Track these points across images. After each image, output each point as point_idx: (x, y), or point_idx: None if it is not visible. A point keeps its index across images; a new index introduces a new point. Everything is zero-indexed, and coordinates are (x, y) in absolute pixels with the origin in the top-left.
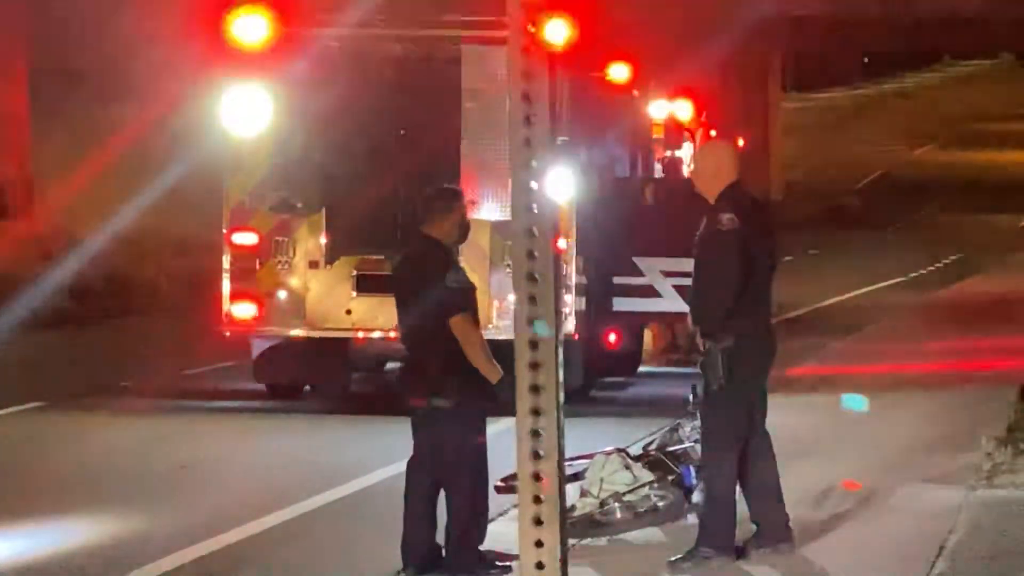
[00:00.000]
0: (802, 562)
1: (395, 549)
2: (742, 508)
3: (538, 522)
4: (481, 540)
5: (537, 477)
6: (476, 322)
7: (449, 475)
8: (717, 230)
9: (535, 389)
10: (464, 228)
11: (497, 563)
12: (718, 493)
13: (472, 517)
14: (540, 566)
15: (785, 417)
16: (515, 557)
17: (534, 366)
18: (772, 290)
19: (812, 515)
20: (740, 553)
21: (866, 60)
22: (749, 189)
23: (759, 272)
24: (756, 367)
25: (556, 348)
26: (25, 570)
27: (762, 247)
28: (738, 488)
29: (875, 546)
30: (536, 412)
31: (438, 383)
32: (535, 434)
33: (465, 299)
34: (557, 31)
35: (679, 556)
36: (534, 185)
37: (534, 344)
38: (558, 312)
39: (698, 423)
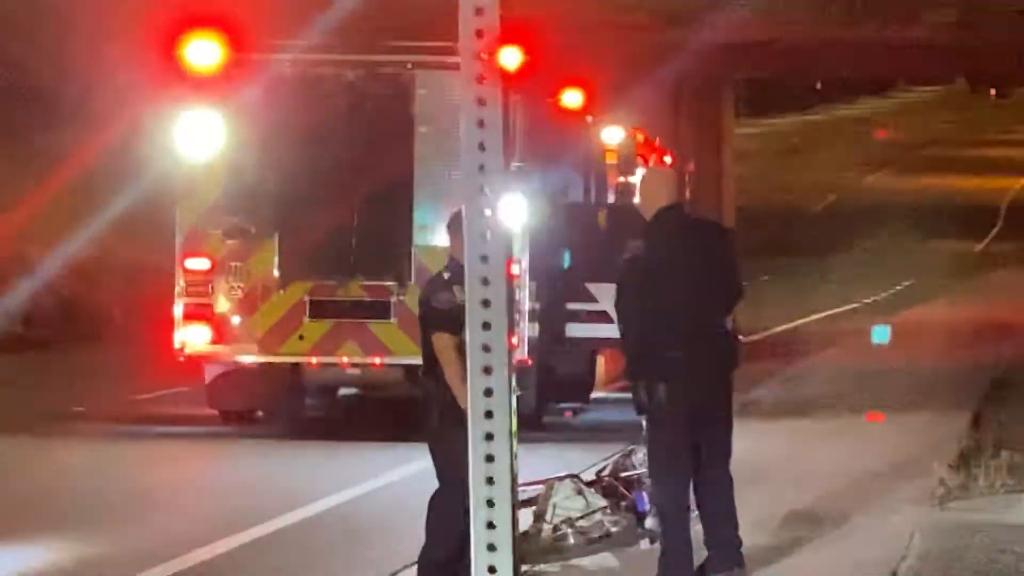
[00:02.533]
0: None
1: (358, 569)
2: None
3: (491, 548)
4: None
5: (490, 503)
6: (459, 344)
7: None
8: (623, 259)
9: (488, 415)
10: None
11: None
12: (664, 521)
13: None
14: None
15: (742, 442)
16: None
17: (487, 392)
18: (710, 313)
19: (766, 540)
20: None
21: (819, 86)
22: (688, 214)
23: (672, 297)
24: (679, 396)
25: (509, 375)
26: None
27: (678, 272)
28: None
29: (827, 571)
30: (489, 437)
31: (438, 406)
32: (488, 459)
33: (452, 320)
34: (509, 58)
35: None
36: (487, 211)
37: (487, 370)
38: (510, 339)
39: None
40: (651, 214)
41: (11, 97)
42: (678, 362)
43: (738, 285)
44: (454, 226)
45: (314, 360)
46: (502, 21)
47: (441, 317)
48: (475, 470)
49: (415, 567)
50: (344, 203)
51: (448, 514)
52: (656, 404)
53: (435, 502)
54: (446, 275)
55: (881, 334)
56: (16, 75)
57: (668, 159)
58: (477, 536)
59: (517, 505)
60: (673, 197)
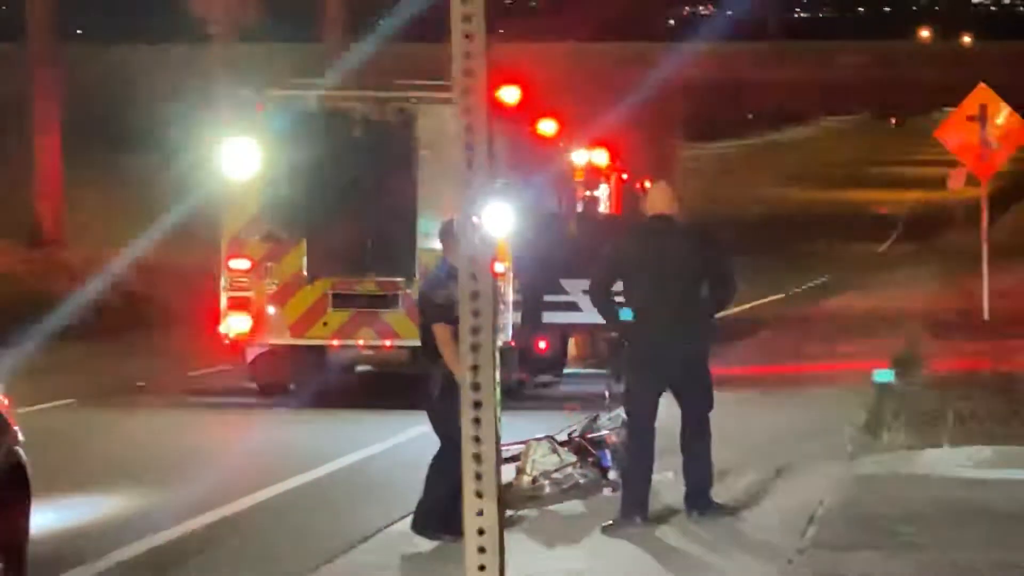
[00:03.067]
0: (703, 529)
1: (371, 514)
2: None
3: (479, 495)
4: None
5: (478, 459)
6: (455, 332)
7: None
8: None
9: (476, 387)
10: None
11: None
12: (626, 469)
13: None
14: (481, 532)
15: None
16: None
17: (475, 368)
18: (673, 297)
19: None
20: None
21: (750, 116)
22: (672, 218)
23: (640, 282)
24: (642, 362)
25: (493, 353)
26: (61, 534)
27: (647, 263)
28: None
29: (757, 516)
30: (477, 405)
31: (435, 384)
32: (476, 422)
33: (449, 313)
34: (510, 94)
35: (609, 523)
36: (476, 220)
37: (475, 348)
38: (496, 324)
39: (613, 414)
40: (650, 216)
41: (89, 127)
42: (653, 337)
43: (723, 275)
44: (445, 233)
45: (336, 343)
46: (495, 63)
47: (439, 310)
48: (466, 432)
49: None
50: (360, 214)
51: (444, 470)
52: (632, 369)
53: (434, 460)
54: (441, 274)
55: (885, 375)
56: (93, 110)
57: (626, 176)
58: (468, 486)
59: (500, 461)
60: (667, 208)
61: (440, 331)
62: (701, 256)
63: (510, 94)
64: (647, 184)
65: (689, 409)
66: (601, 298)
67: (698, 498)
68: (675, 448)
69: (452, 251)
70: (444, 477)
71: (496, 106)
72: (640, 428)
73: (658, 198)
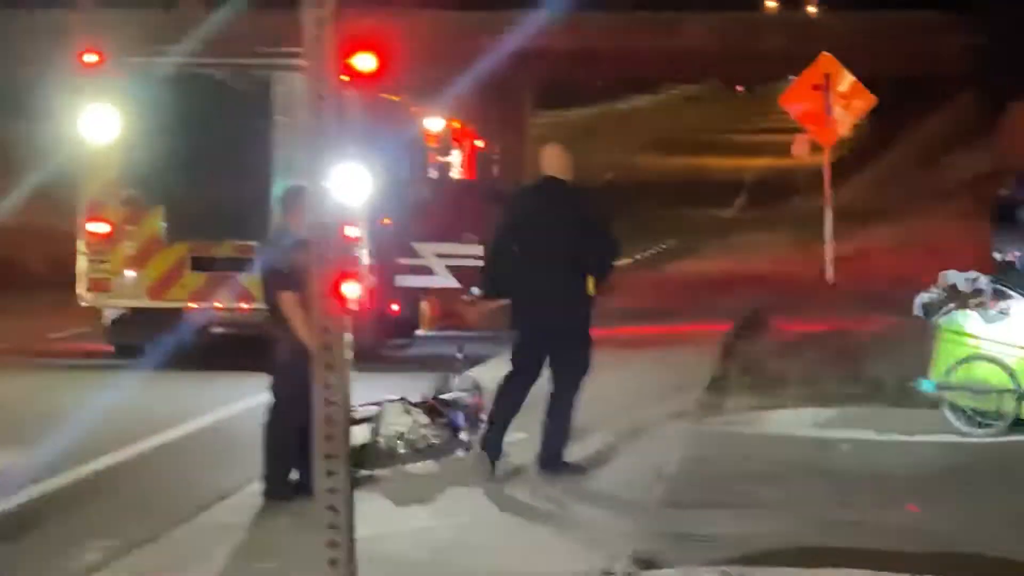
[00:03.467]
0: (553, 488)
1: (226, 475)
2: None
3: (330, 456)
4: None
5: (329, 421)
6: (303, 300)
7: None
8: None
9: (327, 348)
10: None
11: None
12: (491, 414)
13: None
14: (332, 491)
15: None
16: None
17: (326, 331)
18: (554, 260)
19: None
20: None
21: (600, 84)
22: (562, 181)
23: (528, 245)
24: (523, 321)
25: (343, 317)
26: None
27: (533, 223)
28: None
29: (607, 475)
30: (329, 367)
31: (283, 351)
32: (327, 386)
33: (293, 280)
34: (365, 62)
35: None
36: (327, 185)
37: (325, 312)
38: (353, 287)
39: (465, 376)
40: (541, 178)
41: None
42: (534, 291)
43: (600, 237)
44: (289, 200)
45: (193, 305)
46: (352, 32)
47: (285, 278)
48: (318, 395)
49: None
50: (218, 179)
51: (278, 434)
52: (518, 322)
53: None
54: (285, 242)
55: (928, 386)
56: None
57: (480, 143)
58: (319, 447)
59: (349, 422)
60: (558, 170)
61: (288, 299)
62: (583, 218)
63: (365, 61)
64: (497, 149)
65: (562, 371)
66: (496, 261)
67: (550, 458)
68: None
69: (296, 218)
70: (279, 440)
71: (350, 73)
72: (514, 383)
73: (550, 160)
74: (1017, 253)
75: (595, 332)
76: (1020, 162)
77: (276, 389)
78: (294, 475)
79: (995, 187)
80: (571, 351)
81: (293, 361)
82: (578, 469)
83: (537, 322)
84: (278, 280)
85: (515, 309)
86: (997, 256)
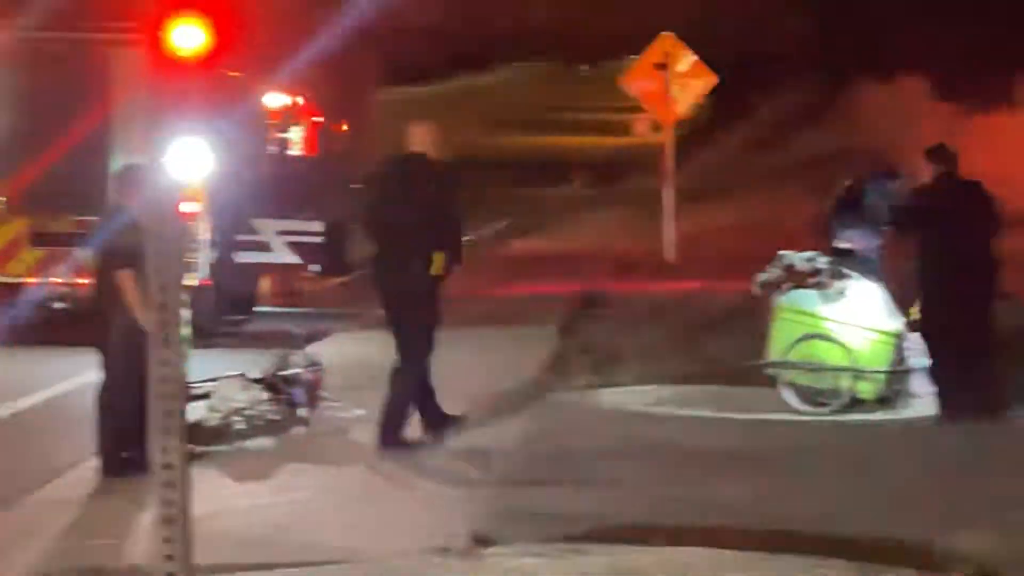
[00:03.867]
0: (392, 464)
1: (63, 450)
2: None
3: (166, 431)
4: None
5: (166, 397)
6: (138, 277)
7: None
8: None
9: (164, 324)
10: None
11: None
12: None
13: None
14: (168, 467)
15: (376, 348)
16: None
17: (162, 307)
18: (403, 235)
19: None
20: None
21: (447, 62)
22: (424, 157)
23: (386, 218)
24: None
25: (178, 292)
26: None
27: (390, 197)
28: None
29: (447, 451)
30: (165, 343)
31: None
32: (164, 363)
33: (129, 258)
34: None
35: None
36: (165, 161)
37: (163, 288)
38: (182, 263)
39: (305, 352)
40: (405, 153)
41: None
42: (384, 265)
43: (452, 215)
44: (124, 179)
45: (32, 280)
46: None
47: (120, 257)
48: (154, 371)
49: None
50: (58, 153)
51: (112, 408)
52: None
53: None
54: (120, 221)
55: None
56: None
57: (321, 119)
58: (156, 423)
59: (187, 398)
60: (421, 146)
61: (125, 278)
62: (439, 195)
63: (200, 35)
64: (344, 127)
65: (403, 346)
66: (368, 235)
67: (388, 434)
68: (366, 385)
69: (131, 196)
70: (114, 417)
71: (187, 48)
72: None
73: (416, 136)
74: (860, 242)
75: (437, 310)
76: (860, 142)
77: (110, 366)
78: (131, 452)
79: (837, 168)
80: (411, 327)
81: (127, 338)
82: (417, 444)
83: (384, 296)
84: (114, 258)
85: (374, 283)
86: (840, 244)
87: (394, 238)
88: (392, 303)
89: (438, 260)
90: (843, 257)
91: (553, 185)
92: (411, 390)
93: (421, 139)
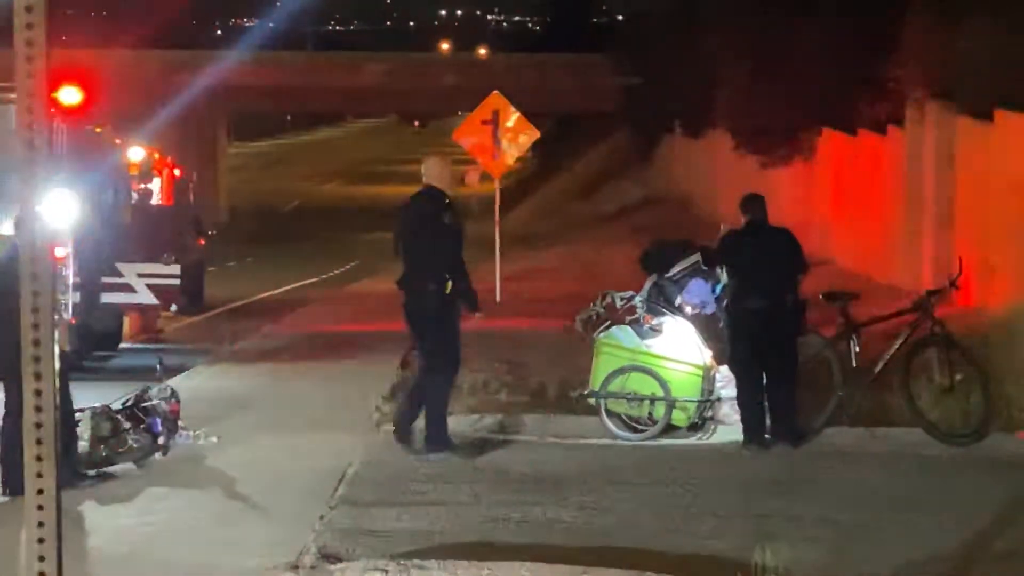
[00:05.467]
0: (242, 487)
1: None
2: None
3: (39, 459)
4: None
5: (39, 426)
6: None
7: None
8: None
9: (36, 359)
10: None
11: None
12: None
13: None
14: (40, 492)
15: (238, 380)
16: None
17: (36, 343)
18: (418, 259)
19: (243, 455)
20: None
21: (289, 118)
22: (437, 192)
23: (406, 245)
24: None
25: (52, 328)
26: None
27: (409, 227)
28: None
29: (295, 474)
30: (38, 376)
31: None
32: (37, 393)
33: None
34: (70, 95)
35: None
36: (37, 208)
37: (36, 326)
38: (55, 302)
39: (164, 386)
40: (422, 186)
41: None
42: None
43: (444, 250)
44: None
45: None
46: (58, 67)
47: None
48: (28, 400)
49: None
50: None
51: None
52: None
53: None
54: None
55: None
56: None
57: (177, 172)
58: (28, 450)
59: (59, 428)
60: (435, 180)
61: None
62: (449, 225)
63: (70, 95)
64: (194, 177)
65: (430, 358)
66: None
67: (436, 439)
68: (221, 415)
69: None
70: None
71: (57, 106)
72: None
73: (430, 170)
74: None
75: (286, 344)
76: (665, 192)
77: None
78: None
79: (647, 215)
80: (433, 342)
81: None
82: (458, 447)
83: (407, 315)
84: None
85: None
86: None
87: (413, 263)
88: (415, 321)
89: (450, 283)
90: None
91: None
92: (444, 394)
93: (434, 174)
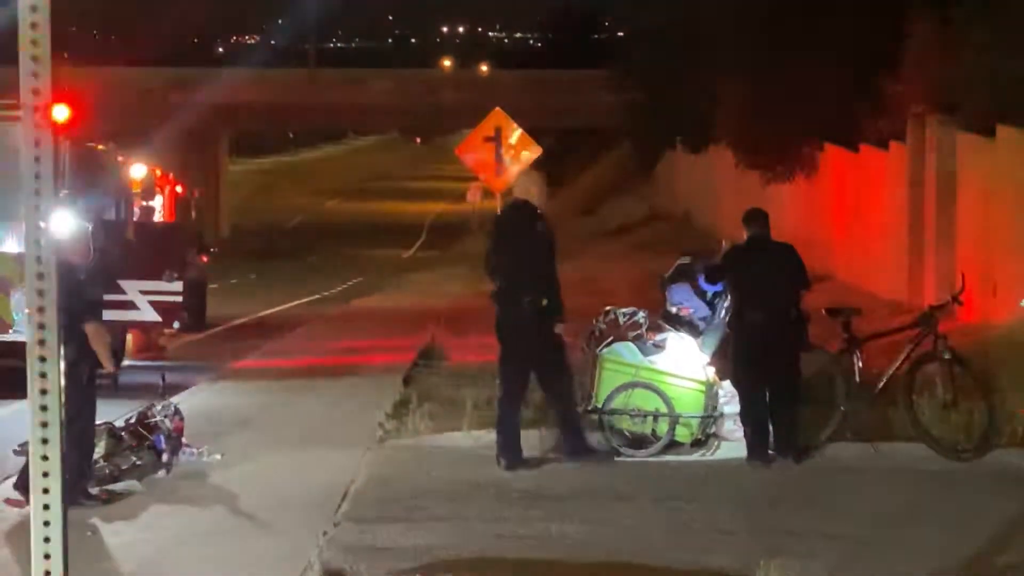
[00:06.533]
0: (246, 503)
1: None
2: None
3: (45, 474)
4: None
5: (45, 442)
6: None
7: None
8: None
9: (43, 375)
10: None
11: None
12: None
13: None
14: (47, 507)
15: (237, 397)
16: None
17: (42, 359)
18: (521, 273)
19: (247, 471)
20: None
21: (291, 135)
22: (531, 207)
23: (505, 259)
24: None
25: (58, 345)
26: None
27: (506, 242)
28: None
29: (301, 490)
30: (43, 392)
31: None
32: (43, 408)
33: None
34: (59, 112)
35: None
36: (42, 225)
37: (42, 342)
38: (59, 319)
39: (167, 403)
40: (510, 201)
41: None
42: (508, 303)
43: (543, 267)
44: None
45: None
46: (54, 85)
47: (85, 309)
48: (33, 417)
49: None
50: None
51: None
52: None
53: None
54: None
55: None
56: None
57: (180, 189)
58: (35, 466)
59: (64, 442)
60: (524, 193)
61: (91, 329)
62: (544, 240)
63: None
64: (196, 194)
65: (547, 377)
66: (489, 276)
67: (575, 447)
68: (223, 432)
69: (80, 255)
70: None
71: (59, 124)
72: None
73: (521, 187)
74: (689, 308)
75: (290, 362)
76: (667, 208)
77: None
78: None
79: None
80: (548, 357)
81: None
82: (603, 454)
83: (499, 328)
84: (79, 310)
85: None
86: (672, 309)
87: (508, 276)
88: (506, 335)
89: (543, 298)
90: (676, 321)
91: (393, 247)
92: (572, 403)
93: (526, 189)
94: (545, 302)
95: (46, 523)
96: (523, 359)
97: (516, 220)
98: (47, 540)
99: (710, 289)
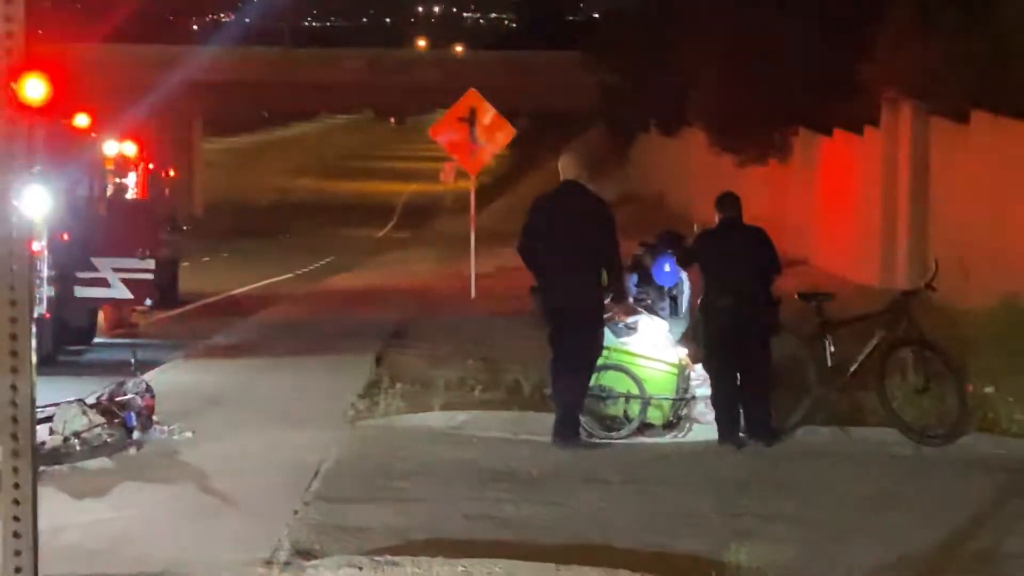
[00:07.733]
0: (218, 482)
1: None
2: None
3: (15, 454)
4: None
5: (15, 421)
6: None
7: None
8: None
9: (13, 353)
10: None
11: None
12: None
13: None
14: (16, 486)
15: (207, 375)
16: None
17: (13, 336)
18: (575, 253)
19: (218, 450)
20: None
21: (265, 114)
22: (574, 185)
23: (552, 240)
24: (549, 309)
25: (29, 323)
26: None
27: (554, 222)
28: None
29: (271, 469)
30: (14, 371)
31: None
32: (13, 388)
33: None
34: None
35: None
36: (15, 202)
37: (13, 320)
38: (31, 296)
39: (138, 380)
40: (562, 182)
41: None
42: (557, 281)
43: (607, 247)
44: None
45: None
46: (29, 58)
47: None
48: (2, 397)
49: None
50: None
51: None
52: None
53: None
54: None
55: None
56: None
57: (152, 166)
58: (4, 444)
59: (35, 422)
60: (573, 174)
61: None
62: (598, 219)
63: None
64: (171, 173)
65: (580, 350)
66: (527, 260)
67: (563, 434)
68: (195, 409)
69: None
70: None
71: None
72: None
73: (567, 164)
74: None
75: (261, 339)
76: (640, 190)
77: None
78: None
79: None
80: (587, 333)
81: None
82: (590, 444)
83: (560, 309)
84: None
85: (544, 297)
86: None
87: (570, 258)
88: (560, 317)
89: (603, 275)
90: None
91: (366, 227)
92: (578, 394)
93: (574, 170)
94: (605, 280)
95: (16, 501)
96: (585, 333)
97: (576, 202)
98: (16, 519)
99: (667, 284)
